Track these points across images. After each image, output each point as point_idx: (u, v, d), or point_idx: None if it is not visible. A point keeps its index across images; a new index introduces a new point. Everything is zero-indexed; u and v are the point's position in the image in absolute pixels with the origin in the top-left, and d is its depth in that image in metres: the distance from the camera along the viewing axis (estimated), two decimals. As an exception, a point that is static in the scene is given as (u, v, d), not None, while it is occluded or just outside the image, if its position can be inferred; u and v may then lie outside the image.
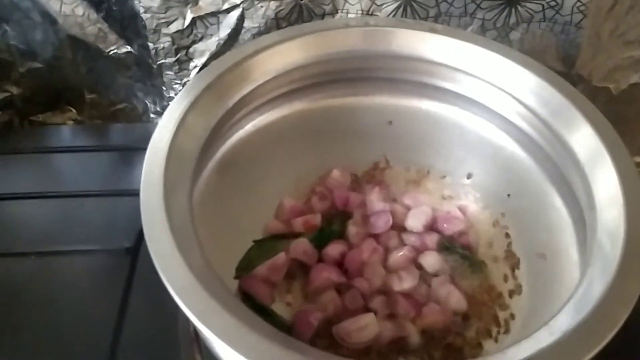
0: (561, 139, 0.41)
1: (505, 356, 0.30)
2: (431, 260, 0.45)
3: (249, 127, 0.48)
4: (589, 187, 0.38)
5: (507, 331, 0.42)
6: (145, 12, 0.53)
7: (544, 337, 0.30)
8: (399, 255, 0.44)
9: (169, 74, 0.58)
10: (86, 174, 0.58)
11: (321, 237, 0.45)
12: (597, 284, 0.33)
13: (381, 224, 0.46)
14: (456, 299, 0.42)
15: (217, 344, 0.29)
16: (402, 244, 0.46)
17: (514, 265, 0.46)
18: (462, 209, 0.48)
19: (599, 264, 0.34)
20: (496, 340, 0.41)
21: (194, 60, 0.57)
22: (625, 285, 0.32)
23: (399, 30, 0.47)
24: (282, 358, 0.28)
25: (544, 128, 0.43)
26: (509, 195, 0.48)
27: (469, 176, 0.50)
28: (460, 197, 0.50)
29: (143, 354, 0.43)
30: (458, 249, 0.46)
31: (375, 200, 0.48)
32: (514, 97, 0.45)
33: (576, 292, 0.33)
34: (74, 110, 0.63)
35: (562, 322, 0.31)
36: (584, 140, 0.40)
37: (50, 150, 0.61)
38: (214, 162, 0.45)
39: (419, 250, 0.45)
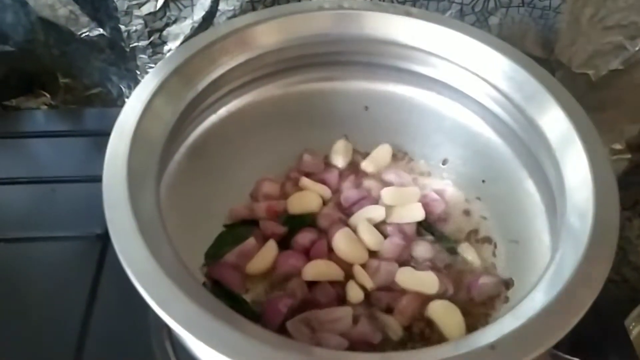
0: (534, 123, 0.41)
1: (466, 341, 0.30)
2: (421, 249, 0.44)
3: (222, 111, 0.47)
4: (560, 172, 0.38)
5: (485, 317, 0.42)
6: (116, -7, 0.52)
7: (509, 323, 0.30)
8: (389, 243, 0.44)
9: (143, 57, 0.57)
10: (60, 160, 0.57)
11: (292, 223, 0.44)
12: (564, 269, 0.32)
13: (356, 207, 0.46)
14: (434, 285, 0.42)
15: (179, 332, 0.29)
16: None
17: (490, 250, 0.45)
18: (438, 193, 0.48)
19: (567, 249, 0.34)
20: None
21: (167, 43, 0.56)
22: (593, 270, 0.32)
23: (373, 14, 0.47)
24: (244, 345, 0.28)
25: (517, 113, 0.43)
26: (483, 181, 0.48)
27: (444, 162, 0.50)
28: (437, 182, 0.49)
29: (112, 343, 0.42)
30: (436, 233, 0.46)
31: (350, 187, 0.47)
32: (488, 82, 0.44)
33: (543, 276, 0.33)
34: (47, 95, 0.62)
35: (528, 307, 0.31)
36: (556, 124, 0.40)
37: (23, 135, 0.59)
38: (186, 147, 0.44)
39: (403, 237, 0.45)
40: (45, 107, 0.63)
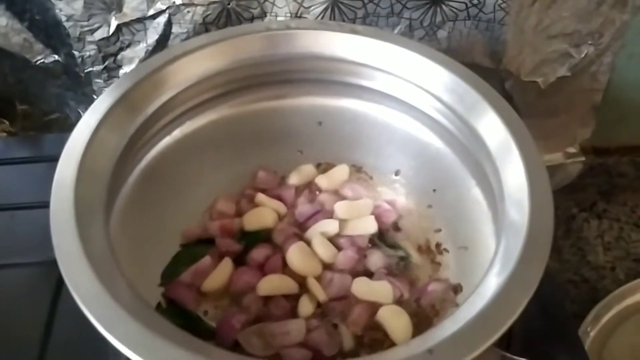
0: (475, 132, 0.42)
1: (407, 347, 0.31)
2: (374, 259, 0.45)
3: (176, 133, 0.48)
4: (499, 178, 0.39)
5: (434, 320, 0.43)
6: (67, 20, 0.52)
7: (448, 327, 0.31)
8: (343, 255, 0.44)
9: (98, 81, 0.57)
10: (18, 186, 0.57)
11: (248, 240, 0.45)
12: (501, 272, 0.34)
13: (310, 222, 0.47)
14: (389, 294, 0.43)
15: (122, 350, 0.29)
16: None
17: (440, 256, 0.46)
18: (390, 203, 0.49)
19: (504, 253, 0.35)
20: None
21: (123, 67, 0.56)
22: (526, 275, 0.33)
23: (320, 32, 0.48)
24: (186, 361, 0.29)
25: (461, 123, 0.44)
26: (434, 190, 0.49)
27: (397, 172, 0.51)
28: (389, 192, 0.50)
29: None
30: (388, 242, 0.47)
31: (305, 202, 0.48)
32: (432, 95, 0.46)
33: (482, 280, 0.34)
34: (6, 122, 0.62)
35: (467, 311, 0.32)
36: (494, 132, 0.41)
37: (-18, 164, 0.59)
38: (140, 169, 0.45)
39: (356, 249, 0.46)
40: (4, 134, 0.63)
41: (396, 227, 0.48)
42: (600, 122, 0.67)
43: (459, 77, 0.44)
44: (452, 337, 0.30)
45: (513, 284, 0.32)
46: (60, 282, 0.47)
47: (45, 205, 0.53)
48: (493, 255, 0.36)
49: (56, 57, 0.57)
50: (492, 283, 0.33)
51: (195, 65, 0.45)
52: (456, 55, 0.50)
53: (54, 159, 0.59)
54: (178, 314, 0.41)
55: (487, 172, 0.43)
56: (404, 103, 0.49)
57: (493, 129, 0.41)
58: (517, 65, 0.61)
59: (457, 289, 0.43)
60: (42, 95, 0.61)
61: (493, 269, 0.34)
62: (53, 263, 0.48)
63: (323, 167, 0.52)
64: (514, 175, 0.38)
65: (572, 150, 0.71)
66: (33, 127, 0.63)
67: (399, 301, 0.42)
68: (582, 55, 0.61)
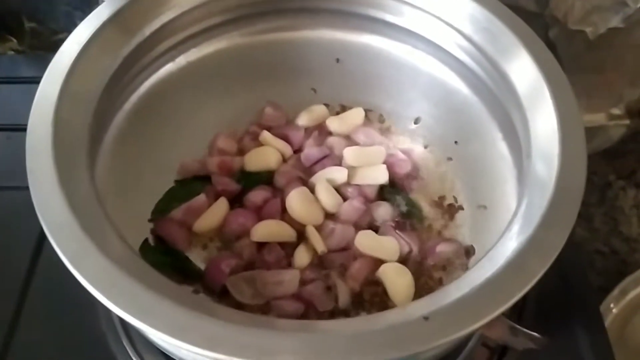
0: (506, 77, 0.38)
1: (403, 312, 0.27)
2: (382, 212, 0.41)
3: (181, 59, 0.44)
4: (528, 130, 0.35)
5: (441, 283, 0.39)
6: None
7: (450, 293, 0.28)
8: (348, 205, 0.41)
9: (106, 1, 0.54)
10: (27, 107, 0.55)
11: (248, 181, 0.42)
12: (519, 237, 0.30)
13: (317, 167, 0.43)
14: (395, 251, 0.39)
15: (87, 287, 0.27)
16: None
17: (455, 214, 0.42)
18: (406, 153, 0.45)
19: (525, 215, 0.31)
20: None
21: (132, -14, 0.52)
22: (547, 240, 0.29)
23: (344, -44, 0.43)
24: (154, 304, 0.26)
25: (491, 67, 0.40)
26: (456, 142, 0.45)
27: (417, 120, 0.47)
28: (406, 141, 0.46)
29: (55, 300, 0.41)
30: (401, 196, 0.43)
31: (312, 144, 0.44)
32: (462, 34, 0.41)
33: (496, 245, 0.30)
34: (14, 40, 0.60)
35: (473, 277, 0.28)
36: (529, 82, 0.36)
37: (-11, 81, 0.57)
38: (138, 96, 0.42)
39: (363, 200, 0.42)
40: (12, 52, 0.60)
41: (410, 180, 0.44)
42: (650, 83, 0.61)
43: (494, 14, 0.39)
44: (454, 303, 0.27)
45: (531, 249, 0.29)
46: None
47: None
48: (512, 215, 0.32)
49: (65, -29, 0.53)
50: (508, 246, 0.30)
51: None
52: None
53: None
54: (165, 251, 0.38)
55: (515, 123, 0.38)
56: (431, 43, 0.44)
57: (524, 72, 0.36)
58: (565, 11, 0.55)
59: (469, 251, 0.39)
60: (51, 12, 0.58)
61: (510, 231, 0.31)
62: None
63: (336, 109, 0.48)
64: (545, 126, 0.34)
65: (616, 111, 0.65)
66: (41, 47, 0.60)
67: (404, 259, 0.39)
68: (639, 5, 0.55)
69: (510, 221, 0.31)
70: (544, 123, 0.34)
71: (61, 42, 0.59)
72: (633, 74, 0.61)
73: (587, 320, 0.41)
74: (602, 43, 0.58)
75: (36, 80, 0.57)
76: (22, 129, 0.51)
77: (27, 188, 0.45)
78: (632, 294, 0.54)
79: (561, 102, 0.34)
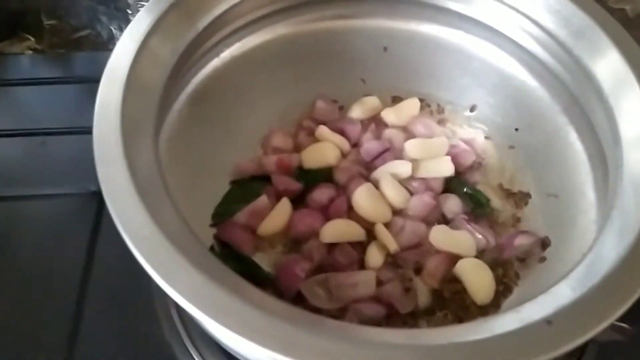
0: (582, 64, 0.36)
1: (519, 315, 0.26)
2: (452, 205, 0.40)
3: (226, 53, 0.42)
4: (614, 121, 0.33)
5: (517, 276, 0.38)
6: None
7: (564, 293, 0.26)
8: (417, 200, 0.40)
9: (134, -5, 0.51)
10: (49, 109, 0.53)
11: (307, 179, 0.40)
12: (623, 234, 0.28)
13: (378, 161, 0.41)
14: (471, 246, 0.38)
15: (185, 306, 0.25)
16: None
17: (524, 204, 0.41)
18: (468, 143, 0.43)
19: (623, 209, 0.30)
20: (510, 290, 0.37)
21: (162, -22, 0.50)
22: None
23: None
24: (259, 321, 0.24)
25: (562, 53, 0.38)
26: (516, 129, 0.43)
27: (472, 108, 0.45)
28: (465, 130, 0.45)
29: (112, 304, 0.39)
30: (467, 187, 0.41)
31: (371, 138, 0.42)
32: (527, 17, 0.39)
33: (599, 237, 0.29)
34: (32, 39, 0.57)
35: (584, 275, 0.27)
36: (610, 66, 0.35)
37: (8, 83, 0.54)
38: (186, 94, 0.40)
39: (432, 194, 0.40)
40: (31, 51, 0.57)
41: (473, 170, 0.42)
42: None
43: (562, -5, 0.37)
44: (573, 306, 0.25)
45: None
46: (98, 216, 0.43)
47: (77, 131, 0.49)
48: (610, 210, 0.30)
49: (87, -36, 0.51)
50: (612, 243, 0.28)
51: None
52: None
53: (84, 80, 0.55)
54: (232, 258, 0.36)
55: (588, 110, 0.37)
56: (487, 27, 0.43)
57: (608, 61, 0.35)
58: (606, -11, 0.54)
59: (545, 242, 0.38)
60: (72, 9, 0.55)
61: (611, 226, 0.29)
62: (90, 194, 0.44)
63: (389, 100, 0.46)
64: (635, 115, 0.32)
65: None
66: (61, 45, 0.57)
67: (479, 253, 0.37)
68: (680, -17, 0.54)
69: (609, 215, 0.30)
70: (633, 111, 0.32)
71: (83, 39, 0.57)
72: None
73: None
74: (641, 22, 0.56)
75: (58, 81, 0.55)
76: (52, 132, 0.50)
77: (69, 195, 0.44)
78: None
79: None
